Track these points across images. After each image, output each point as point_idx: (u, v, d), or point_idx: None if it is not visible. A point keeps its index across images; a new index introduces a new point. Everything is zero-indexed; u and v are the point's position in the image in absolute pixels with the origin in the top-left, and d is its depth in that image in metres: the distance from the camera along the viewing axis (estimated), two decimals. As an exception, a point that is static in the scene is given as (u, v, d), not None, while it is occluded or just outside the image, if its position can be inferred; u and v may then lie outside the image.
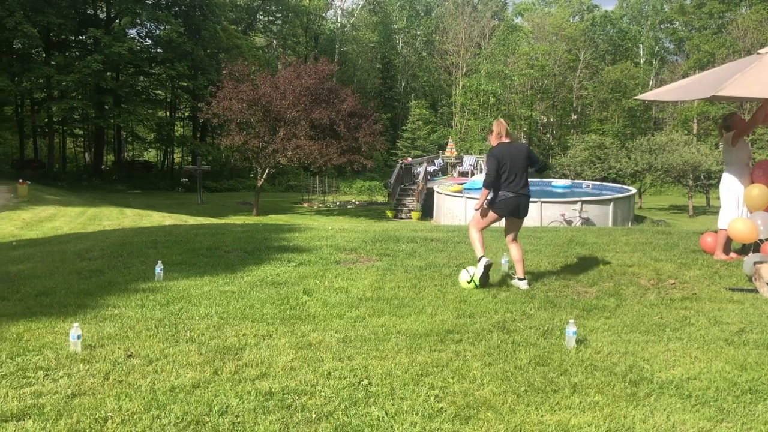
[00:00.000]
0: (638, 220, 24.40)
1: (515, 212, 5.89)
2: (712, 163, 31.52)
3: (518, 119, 53.86)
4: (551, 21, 55.69)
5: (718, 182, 7.21)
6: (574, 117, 56.61)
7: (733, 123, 6.87)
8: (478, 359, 3.90)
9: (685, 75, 40.08)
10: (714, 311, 5.05)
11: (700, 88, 6.86)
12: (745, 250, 7.03)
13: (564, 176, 36.81)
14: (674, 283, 5.97)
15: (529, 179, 5.88)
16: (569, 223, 19.04)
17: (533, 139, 54.87)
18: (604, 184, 30.04)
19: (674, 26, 58.81)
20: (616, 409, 3.20)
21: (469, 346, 4.17)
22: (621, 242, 8.15)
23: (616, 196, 22.78)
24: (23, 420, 3.02)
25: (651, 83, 54.82)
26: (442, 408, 3.20)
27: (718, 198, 7.18)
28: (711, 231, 7.43)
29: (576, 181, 31.34)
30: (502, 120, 6.05)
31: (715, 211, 7.57)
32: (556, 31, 54.92)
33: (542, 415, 3.13)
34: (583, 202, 20.38)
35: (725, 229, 6.79)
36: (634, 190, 25.56)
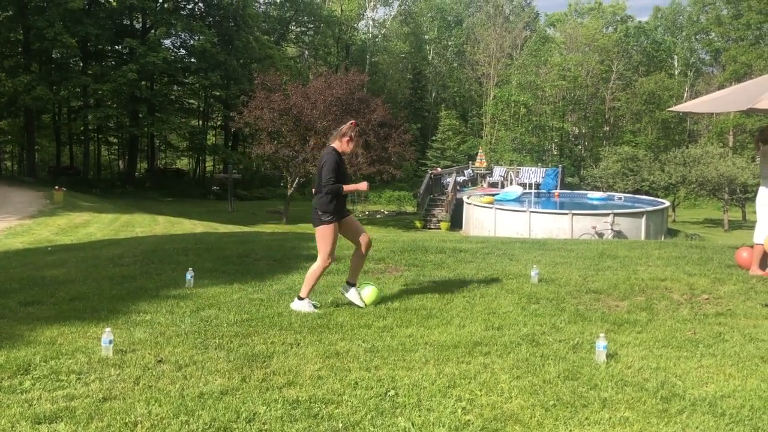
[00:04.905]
0: (671, 233, 23.99)
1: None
2: (748, 176, 30.96)
3: (549, 130, 53.43)
4: (584, 32, 55.24)
5: (755, 196, 7.07)
6: (606, 128, 56.00)
7: (771, 136, 6.74)
8: (506, 372, 3.87)
9: (721, 86, 39.42)
10: (749, 328, 4.94)
11: (737, 100, 6.75)
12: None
13: (596, 188, 36.40)
14: (708, 299, 5.85)
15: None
16: (600, 235, 18.78)
17: (564, 150, 54.39)
18: (637, 196, 29.61)
19: (710, 37, 57.96)
20: (647, 426, 3.14)
21: (497, 359, 4.13)
22: (653, 256, 8.02)
23: (649, 209, 22.44)
24: (56, 422, 3.07)
25: (686, 95, 54.01)
26: (469, 420, 3.17)
27: (755, 212, 7.04)
28: (747, 245, 7.28)
29: (610, 193, 30.97)
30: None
31: (751, 226, 7.40)
32: (588, 42, 54.44)
33: (571, 430, 3.09)
34: (615, 214, 20.10)
35: (761, 244, 6.65)
36: (667, 203, 25.15)
